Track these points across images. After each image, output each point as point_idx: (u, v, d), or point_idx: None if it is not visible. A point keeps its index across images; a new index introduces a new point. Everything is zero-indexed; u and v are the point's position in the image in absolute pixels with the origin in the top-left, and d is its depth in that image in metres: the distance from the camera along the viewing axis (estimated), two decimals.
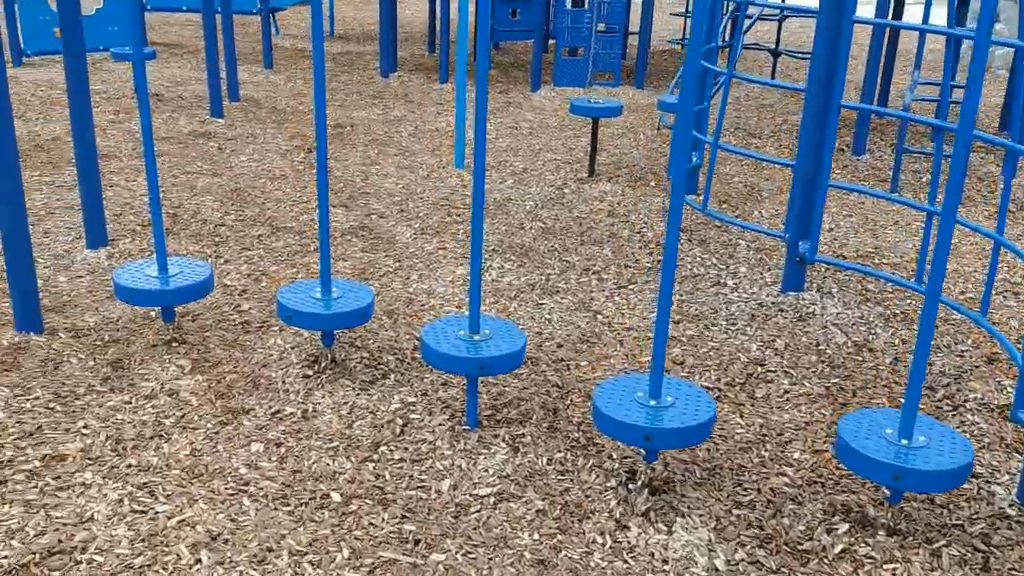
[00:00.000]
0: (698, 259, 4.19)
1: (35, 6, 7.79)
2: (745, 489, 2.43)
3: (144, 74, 2.95)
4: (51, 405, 2.69)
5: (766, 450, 2.63)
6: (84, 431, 2.57)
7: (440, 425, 2.68)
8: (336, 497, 2.32)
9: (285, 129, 6.39)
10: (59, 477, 2.35)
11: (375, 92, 7.93)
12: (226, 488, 2.33)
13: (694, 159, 4.79)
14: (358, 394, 2.84)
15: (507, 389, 2.91)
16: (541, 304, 3.65)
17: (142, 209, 4.49)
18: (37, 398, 2.73)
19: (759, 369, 3.13)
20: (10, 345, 3.03)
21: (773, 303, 3.69)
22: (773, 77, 8.56)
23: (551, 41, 10.68)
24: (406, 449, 2.55)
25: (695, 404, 2.29)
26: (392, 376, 2.98)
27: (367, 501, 2.31)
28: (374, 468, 2.45)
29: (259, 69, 8.54)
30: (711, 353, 3.25)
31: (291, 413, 2.72)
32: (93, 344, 3.10)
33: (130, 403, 2.74)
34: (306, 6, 12.42)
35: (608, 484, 2.42)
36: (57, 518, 2.19)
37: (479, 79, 2.46)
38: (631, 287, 3.86)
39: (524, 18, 10.26)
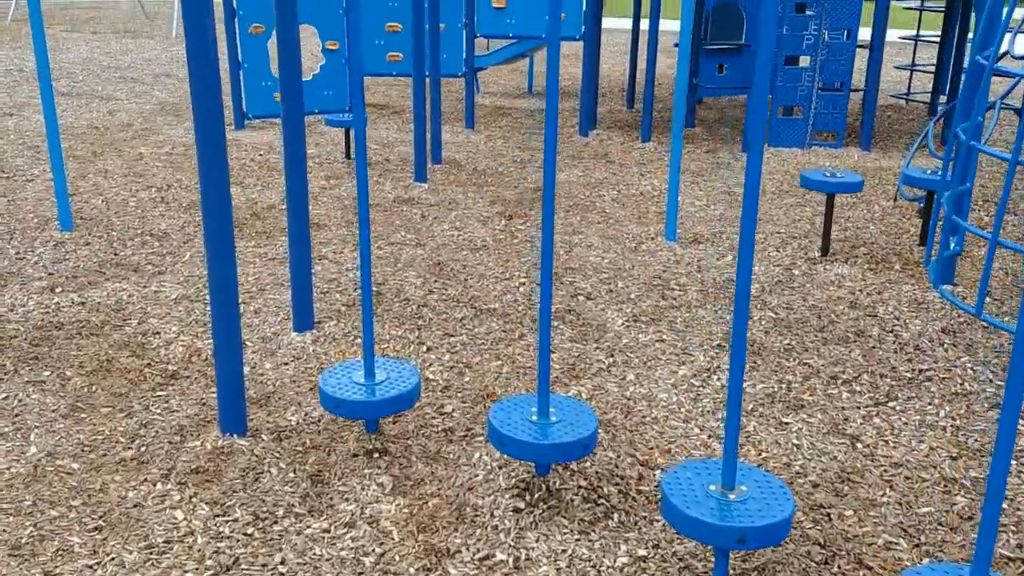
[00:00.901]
0: (968, 370, 3.54)
1: (259, 72, 8.06)
2: None
3: (364, 144, 2.71)
4: (249, 531, 2.45)
5: None
6: (280, 568, 2.30)
7: None
8: None
9: (486, 192, 6.18)
10: None
11: (574, 152, 7.64)
12: None
13: (952, 245, 4.12)
14: (577, 539, 2.44)
15: None
16: (785, 423, 3.13)
17: (348, 286, 4.33)
18: (236, 520, 2.49)
19: None
20: (214, 449, 2.85)
21: None
22: None
23: None
24: None
25: None
26: (616, 515, 2.55)
27: None
28: None
29: (460, 129, 8.46)
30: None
31: (502, 561, 2.34)
32: (294, 450, 2.87)
33: (328, 532, 2.45)
34: (502, 65, 12.43)
35: None
36: None
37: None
38: (891, 404, 3.27)
39: (731, 73, 9.75)
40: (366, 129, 8.23)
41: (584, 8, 8.02)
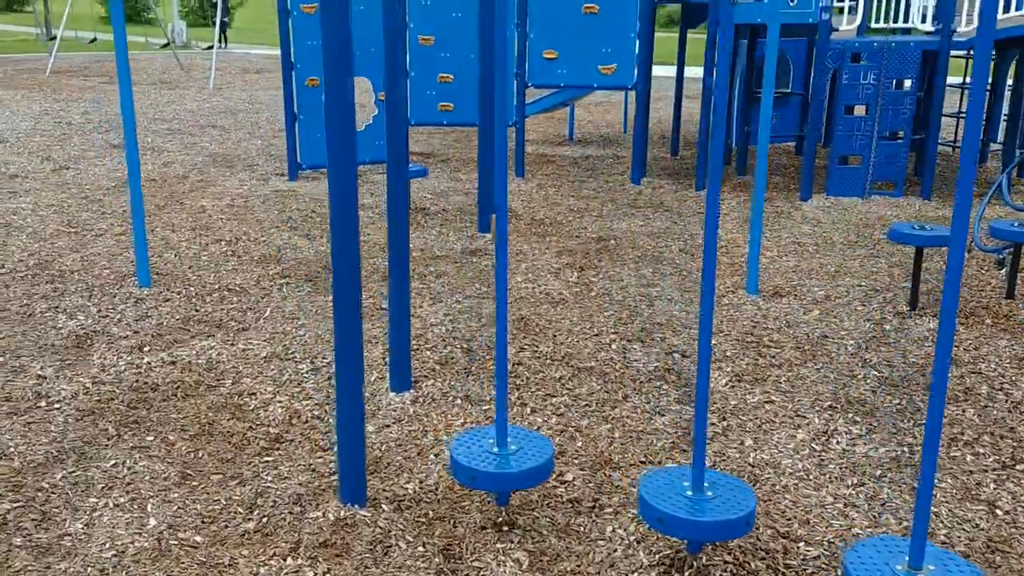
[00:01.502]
0: None
1: (314, 123, 8.11)
2: None
3: (506, 223, 2.65)
4: None
5: None
6: None
7: None
8: None
9: (549, 243, 6.13)
10: None
11: (629, 201, 7.60)
12: None
13: None
14: None
15: None
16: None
17: (436, 342, 4.26)
18: None
19: None
20: (336, 520, 2.76)
21: None
22: None
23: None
24: None
25: None
26: None
27: None
28: None
29: (511, 177, 8.45)
30: None
31: None
32: (418, 521, 2.77)
33: None
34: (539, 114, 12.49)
35: None
36: None
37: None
38: (1020, 468, 3.16)
39: (780, 121, 9.73)
40: (420, 179, 8.22)
41: (636, 57, 8.05)
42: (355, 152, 3.08)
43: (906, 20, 7.72)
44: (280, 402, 3.63)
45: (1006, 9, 7.62)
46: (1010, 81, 8.64)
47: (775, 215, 7.14)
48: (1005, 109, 9.00)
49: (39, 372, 3.85)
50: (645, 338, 4.38)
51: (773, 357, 4.15)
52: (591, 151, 10.32)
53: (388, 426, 3.44)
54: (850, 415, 3.57)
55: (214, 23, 27.84)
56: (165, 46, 27.72)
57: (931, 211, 7.21)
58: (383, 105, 8.51)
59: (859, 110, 8.26)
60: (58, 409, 3.52)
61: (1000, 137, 9.34)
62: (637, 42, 7.98)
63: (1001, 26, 7.19)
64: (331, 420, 3.47)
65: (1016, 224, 4.84)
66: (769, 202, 7.56)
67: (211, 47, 24.80)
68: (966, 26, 7.15)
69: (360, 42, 8.19)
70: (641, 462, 3.17)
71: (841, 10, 7.57)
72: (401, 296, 3.71)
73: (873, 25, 7.77)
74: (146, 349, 4.13)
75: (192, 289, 4.98)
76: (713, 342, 4.35)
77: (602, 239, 6.30)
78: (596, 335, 4.41)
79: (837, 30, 7.63)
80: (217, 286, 5.05)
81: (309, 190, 7.70)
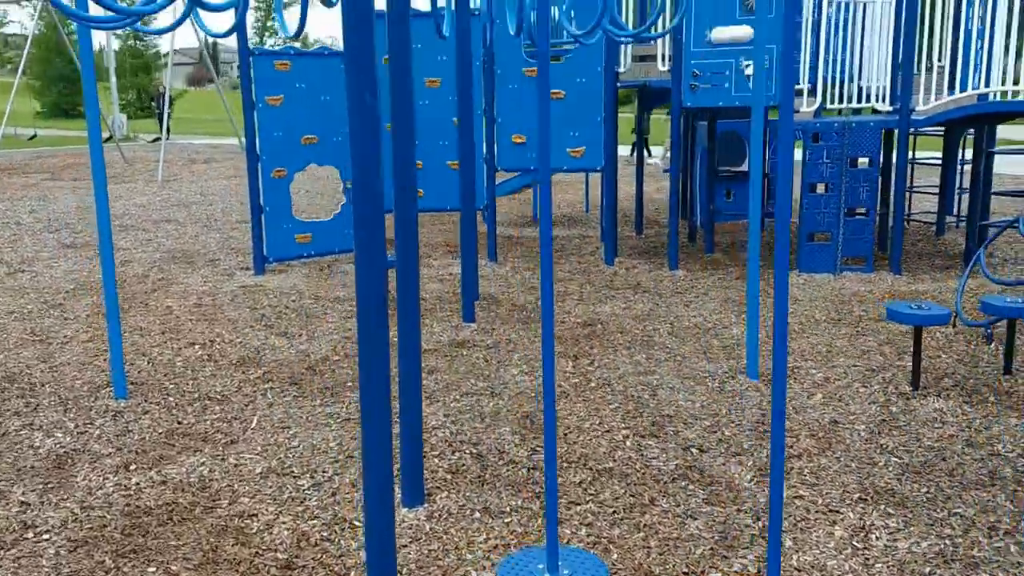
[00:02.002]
0: None
1: (280, 215, 7.96)
2: None
3: (552, 330, 2.51)
4: None
5: None
6: None
7: None
8: None
9: (535, 330, 6.00)
10: None
11: (606, 282, 7.55)
12: None
13: None
14: None
15: None
16: None
17: (442, 448, 4.06)
18: None
19: None
20: None
21: None
22: None
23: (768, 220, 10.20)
24: None
25: None
26: None
27: None
28: None
29: (484, 262, 8.36)
30: None
31: None
32: None
33: None
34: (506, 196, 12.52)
35: None
36: None
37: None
38: None
39: (738, 199, 9.87)
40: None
41: (603, 139, 8.10)
42: (383, 247, 2.93)
43: (859, 101, 7.93)
44: (284, 523, 3.39)
45: (951, 91, 7.87)
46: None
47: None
48: (958, 183, 9.28)
49: (21, 498, 3.56)
50: (658, 432, 4.24)
51: (790, 448, 4.04)
52: (558, 231, 10.31)
53: (405, 546, 3.21)
54: (882, 507, 3.46)
55: (157, 115, 27.66)
56: (107, 140, 27.43)
57: (903, 286, 7.28)
58: (351, 193, 8.41)
59: (820, 188, 8.39)
60: (48, 540, 3.23)
61: (955, 210, 9.61)
62: (604, 126, 8.05)
63: (947, 108, 7.41)
64: (343, 542, 3.24)
65: (1008, 299, 4.87)
66: (742, 280, 7.57)
67: (157, 139, 24.59)
68: (924, 105, 7.35)
69: (325, 131, 8.13)
70: (684, 573, 3.00)
71: (801, 92, 7.73)
72: (413, 400, 3.53)
73: (829, 106, 7.94)
74: (132, 468, 3.85)
75: (171, 399, 4.71)
76: (728, 433, 4.23)
77: (588, 323, 6.20)
78: (607, 431, 4.26)
79: (798, 111, 7.78)
80: (197, 394, 4.79)
81: (278, 284, 7.48)
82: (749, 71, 7.36)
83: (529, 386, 4.92)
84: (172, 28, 4.25)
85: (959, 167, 9.36)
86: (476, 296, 6.86)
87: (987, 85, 7.35)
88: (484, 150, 8.37)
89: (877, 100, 8.11)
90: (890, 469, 3.80)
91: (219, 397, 4.75)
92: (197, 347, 5.63)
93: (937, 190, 9.43)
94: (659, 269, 8.09)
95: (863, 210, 7.69)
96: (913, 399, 4.65)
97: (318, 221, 8.61)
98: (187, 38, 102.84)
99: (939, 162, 9.31)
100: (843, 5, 7.91)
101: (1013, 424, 4.27)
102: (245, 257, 8.69)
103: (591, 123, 8.08)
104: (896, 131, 7.55)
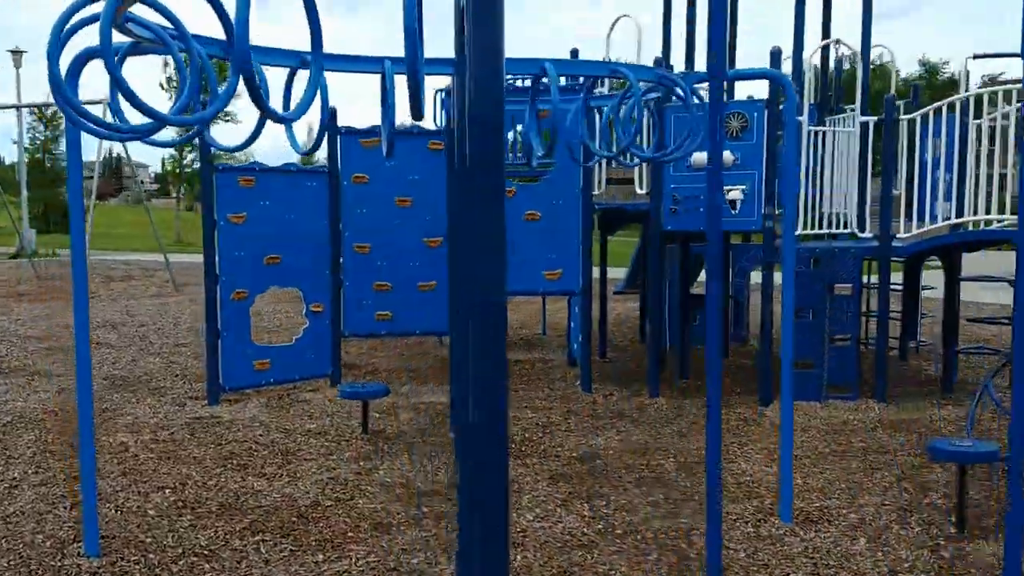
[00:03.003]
0: None
1: (239, 340, 7.43)
2: None
3: None
4: None
5: None
6: None
7: None
8: None
9: (532, 465, 5.57)
10: None
11: (591, 411, 7.20)
12: None
13: None
14: None
15: None
16: None
17: None
18: None
19: None
20: None
21: None
22: None
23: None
24: None
25: None
26: None
27: None
28: None
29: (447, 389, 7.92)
30: None
31: None
32: None
33: None
34: None
35: None
36: None
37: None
38: None
39: (702, 323, 9.75)
40: (381, 398, 7.49)
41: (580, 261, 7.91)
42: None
43: (834, 227, 8.01)
44: None
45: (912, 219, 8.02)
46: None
47: (742, 423, 6.90)
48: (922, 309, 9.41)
49: None
50: None
51: None
52: (517, 355, 9.96)
53: None
54: None
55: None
56: (15, 256, 26.22)
57: (891, 414, 7.15)
58: (315, 317, 7.95)
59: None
60: None
61: (920, 335, 9.71)
62: (581, 249, 7.87)
63: (929, 235, 7.52)
64: None
65: (953, 443, 4.60)
66: (728, 408, 7.33)
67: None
68: (904, 232, 7.43)
69: (289, 250, 7.71)
70: None
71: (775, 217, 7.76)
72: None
73: (805, 232, 7.98)
74: None
75: (152, 556, 4.09)
76: None
77: (585, 459, 5.81)
78: None
79: (778, 236, 7.77)
80: (180, 550, 4.18)
81: (237, 416, 6.88)
82: (732, 196, 7.34)
83: (550, 535, 4.47)
84: (186, 140, 3.89)
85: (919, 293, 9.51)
86: None
87: (960, 215, 7.50)
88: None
89: (838, 227, 8.20)
90: None
91: (206, 553, 4.15)
92: (167, 491, 5.00)
93: (900, 316, 9.52)
94: (638, 396, 7.79)
95: (846, 337, 7.62)
96: (961, 543, 4.38)
97: (278, 346, 8.08)
98: (88, 151, 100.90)
99: (900, 288, 9.44)
100: (810, 132, 8.04)
101: None
102: (193, 384, 8.06)
103: (568, 245, 7.90)
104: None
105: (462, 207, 2.41)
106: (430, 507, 4.81)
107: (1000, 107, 7.15)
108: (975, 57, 8.39)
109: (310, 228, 7.84)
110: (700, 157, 7.12)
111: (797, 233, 8.09)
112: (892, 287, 9.59)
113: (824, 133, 8.10)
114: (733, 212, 7.40)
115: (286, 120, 2.64)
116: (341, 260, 7.99)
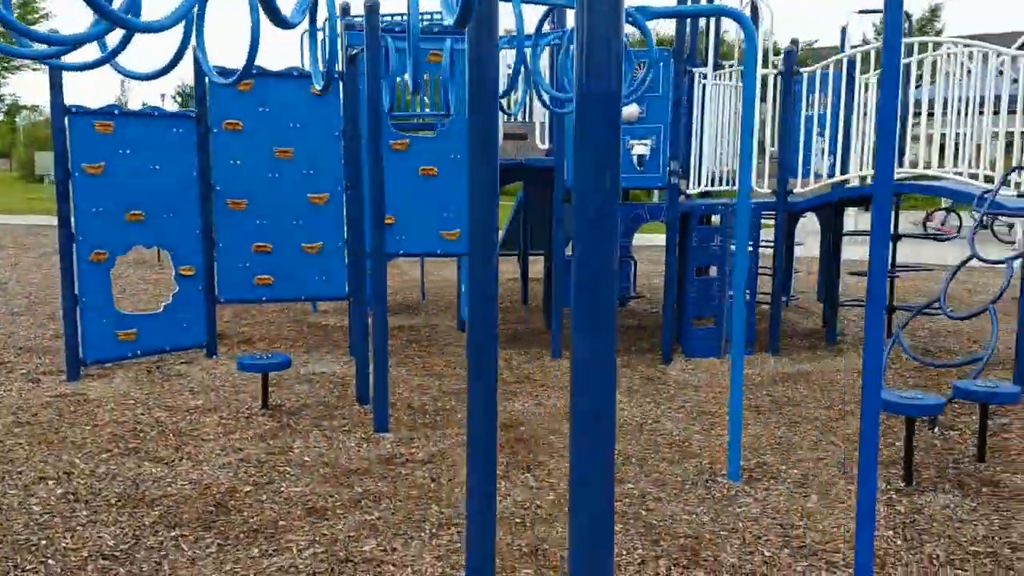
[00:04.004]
0: None
1: (101, 307, 6.59)
2: None
3: None
4: None
5: None
6: None
7: None
8: None
9: (459, 436, 5.21)
10: None
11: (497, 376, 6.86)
12: None
13: None
14: None
15: None
16: None
17: None
18: None
19: None
20: None
21: None
22: None
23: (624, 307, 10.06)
24: None
25: None
26: None
27: None
28: None
29: (351, 358, 7.40)
30: None
31: None
32: None
33: None
34: None
35: None
36: None
37: None
38: None
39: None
40: (284, 370, 6.80)
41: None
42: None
43: (719, 184, 8.01)
44: None
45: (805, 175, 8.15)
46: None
47: (645, 381, 6.78)
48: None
49: None
50: (696, 560, 3.63)
51: (848, 564, 3.59)
52: (400, 320, 9.46)
53: None
54: None
55: None
56: None
57: (787, 367, 7.24)
58: (185, 281, 7.17)
59: (713, 271, 8.31)
60: None
61: (791, 291, 9.97)
62: None
63: (824, 191, 7.64)
64: None
65: (979, 384, 4.80)
66: (630, 367, 7.22)
67: None
68: (801, 187, 7.50)
69: (154, 206, 6.89)
70: None
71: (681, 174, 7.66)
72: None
73: (705, 188, 7.94)
74: None
75: (52, 562, 3.44)
76: (766, 554, 3.71)
77: (508, 425, 5.50)
78: (641, 562, 3.58)
79: (685, 194, 7.68)
80: (85, 552, 3.54)
81: (105, 392, 6.08)
82: (637, 151, 7.15)
83: (504, 508, 4.13)
84: (95, 64, 3.21)
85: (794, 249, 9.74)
86: (367, 400, 5.95)
87: (845, 171, 7.65)
88: (346, 233, 7.48)
89: (724, 184, 8.22)
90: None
91: (117, 554, 3.54)
92: (51, 483, 4.28)
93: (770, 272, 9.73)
94: (539, 359, 7.54)
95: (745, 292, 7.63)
96: (915, 495, 4.39)
97: (145, 314, 7.26)
98: None
99: (770, 244, 9.63)
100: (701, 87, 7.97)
101: (1009, 516, 4.11)
102: (43, 358, 7.13)
103: (466, 203, 7.47)
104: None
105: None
106: (363, 487, 4.36)
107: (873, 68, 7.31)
108: (860, 12, 8.56)
109: (178, 181, 7.03)
110: (627, 109, 6.88)
111: (692, 192, 8.06)
112: (764, 244, 9.79)
113: (704, 87, 8.02)
114: (639, 169, 7.23)
115: (291, 25, 2.12)
116: (214, 218, 7.24)
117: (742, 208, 4.47)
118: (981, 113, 7.16)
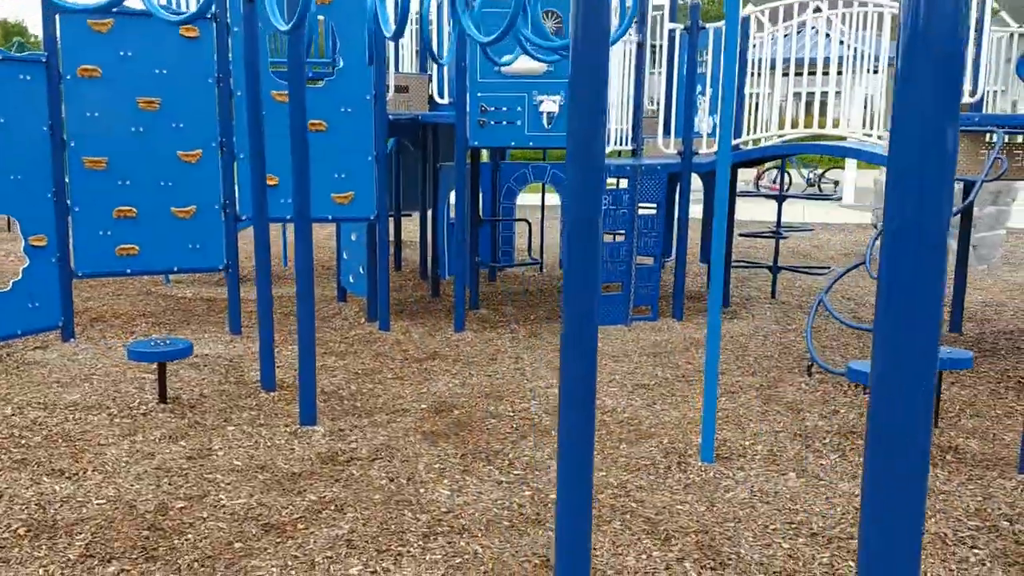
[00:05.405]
0: None
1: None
2: None
3: None
4: None
5: None
6: None
7: None
8: None
9: (391, 426, 4.71)
10: None
11: (401, 353, 6.35)
12: None
13: None
14: None
15: None
16: None
17: None
18: None
19: None
20: None
21: None
22: None
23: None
24: None
25: None
26: None
27: None
28: None
29: (223, 335, 6.63)
30: None
31: None
32: None
33: None
34: None
35: None
36: None
37: None
38: None
39: (481, 246, 9.22)
40: (184, 358, 5.92)
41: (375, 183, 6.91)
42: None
43: (616, 144, 7.78)
44: None
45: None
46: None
47: (554, 348, 6.49)
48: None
49: None
50: (709, 554, 3.36)
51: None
52: (285, 289, 8.63)
53: None
54: None
55: None
56: None
57: (694, 331, 7.16)
58: (36, 252, 6.13)
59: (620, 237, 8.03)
60: None
61: (672, 252, 9.95)
62: (376, 166, 6.86)
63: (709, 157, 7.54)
64: None
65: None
66: (538, 337, 6.91)
67: None
68: (707, 148, 7.36)
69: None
70: None
71: None
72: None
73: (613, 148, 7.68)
74: None
75: None
76: (785, 544, 3.49)
77: (439, 409, 5.05)
78: (647, 557, 3.27)
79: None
80: None
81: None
82: (546, 107, 6.76)
83: (483, 509, 3.70)
84: None
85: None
86: (272, 384, 5.30)
87: (738, 135, 7.60)
88: (222, 196, 6.66)
89: (619, 143, 8.03)
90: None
91: None
92: None
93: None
94: (442, 332, 7.06)
95: (649, 258, 7.48)
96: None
97: None
98: None
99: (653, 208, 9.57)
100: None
101: (1009, 486, 4.14)
102: None
103: (360, 163, 6.84)
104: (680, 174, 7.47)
105: None
106: (317, 494, 3.79)
107: (767, 26, 7.26)
108: None
109: (25, 136, 5.98)
110: (520, 62, 6.42)
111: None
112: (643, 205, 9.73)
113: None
114: (547, 127, 6.85)
115: None
116: (67, 179, 6.23)
117: (722, 164, 4.20)
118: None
